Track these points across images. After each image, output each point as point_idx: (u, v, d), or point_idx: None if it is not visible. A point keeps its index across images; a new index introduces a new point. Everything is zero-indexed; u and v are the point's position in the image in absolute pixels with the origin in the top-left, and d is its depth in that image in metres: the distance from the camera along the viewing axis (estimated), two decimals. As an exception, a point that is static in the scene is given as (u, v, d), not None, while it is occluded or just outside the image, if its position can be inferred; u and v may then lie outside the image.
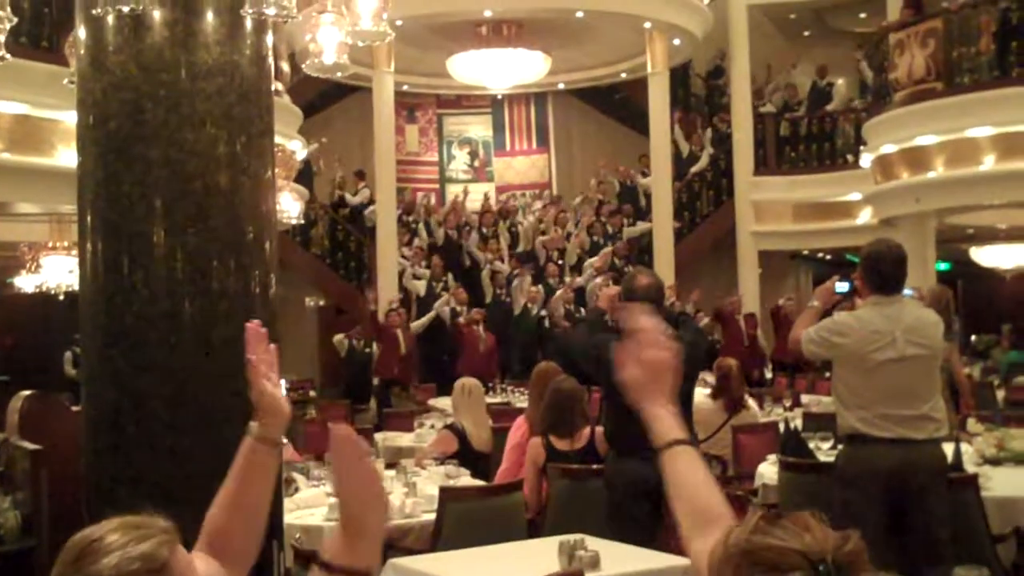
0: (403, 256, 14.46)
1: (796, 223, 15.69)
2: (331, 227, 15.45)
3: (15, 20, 3.78)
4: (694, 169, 16.26)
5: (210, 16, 3.40)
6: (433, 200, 16.39)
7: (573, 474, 5.48)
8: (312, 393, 12.69)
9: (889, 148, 11.98)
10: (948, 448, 4.84)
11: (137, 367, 3.33)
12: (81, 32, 3.49)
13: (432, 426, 8.27)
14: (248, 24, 3.45)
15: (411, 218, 15.26)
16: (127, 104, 3.37)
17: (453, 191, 16.98)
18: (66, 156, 8.17)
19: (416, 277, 14.25)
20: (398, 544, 4.81)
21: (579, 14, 14.07)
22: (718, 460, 6.96)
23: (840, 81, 16.21)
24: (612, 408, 5.37)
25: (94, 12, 3.33)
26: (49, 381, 11.83)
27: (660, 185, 15.09)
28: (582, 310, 13.00)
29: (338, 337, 12.42)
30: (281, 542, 3.51)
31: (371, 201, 15.24)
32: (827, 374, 8.40)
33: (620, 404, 5.18)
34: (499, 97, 17.45)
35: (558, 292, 13.62)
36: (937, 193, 11.54)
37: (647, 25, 14.55)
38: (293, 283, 14.08)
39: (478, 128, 18.10)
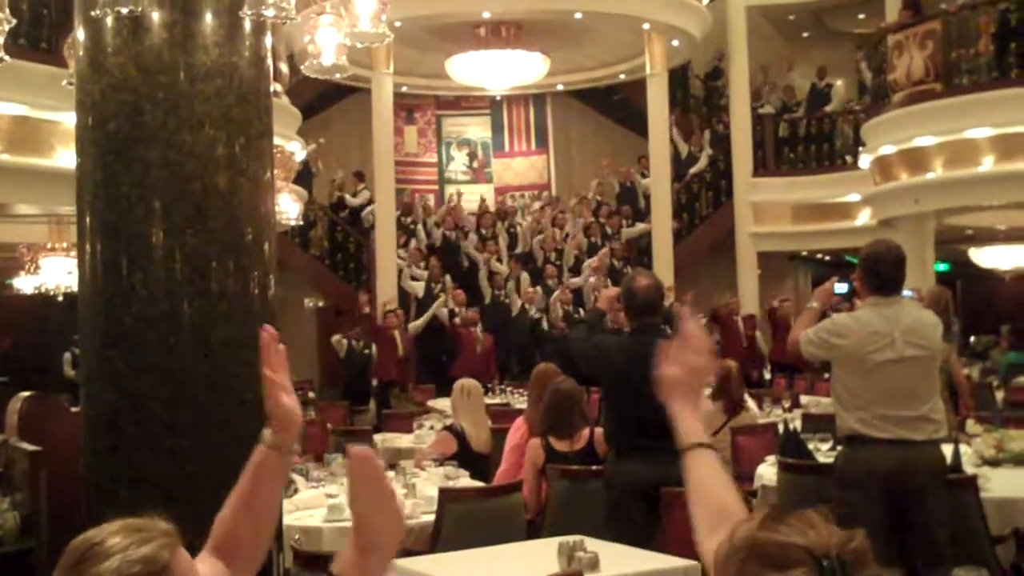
0: (399, 257, 14.46)
1: (795, 224, 15.69)
2: (330, 228, 15.46)
3: (14, 22, 3.78)
4: (693, 170, 16.27)
5: (209, 18, 3.40)
6: (432, 201, 16.40)
7: (572, 475, 5.48)
8: (311, 394, 12.67)
9: (888, 149, 11.99)
10: (947, 449, 4.84)
11: (136, 368, 3.33)
12: (80, 34, 3.49)
13: (431, 427, 8.27)
14: (247, 26, 3.46)
15: (409, 219, 15.26)
16: (126, 105, 3.37)
17: (452, 192, 17.01)
18: (65, 157, 8.18)
19: (414, 278, 14.25)
20: (397, 545, 4.80)
21: (578, 15, 14.07)
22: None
23: (839, 82, 16.22)
24: (611, 409, 5.38)
25: (93, 14, 3.33)
26: (48, 382, 11.85)
27: (659, 186, 15.09)
28: (581, 311, 13.01)
29: (336, 337, 12.41)
30: (280, 543, 3.52)
31: (370, 202, 15.25)
32: (826, 375, 8.39)
33: (619, 405, 5.20)
34: (498, 98, 17.46)
35: (555, 294, 13.63)
36: (936, 194, 11.55)
37: (646, 26, 14.55)
38: (292, 284, 14.08)
39: (477, 129, 18.10)
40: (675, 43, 15.16)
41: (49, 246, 13.26)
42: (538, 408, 6.07)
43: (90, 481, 3.43)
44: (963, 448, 5.44)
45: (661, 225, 14.98)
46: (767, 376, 13.15)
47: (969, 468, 5.25)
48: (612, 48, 15.64)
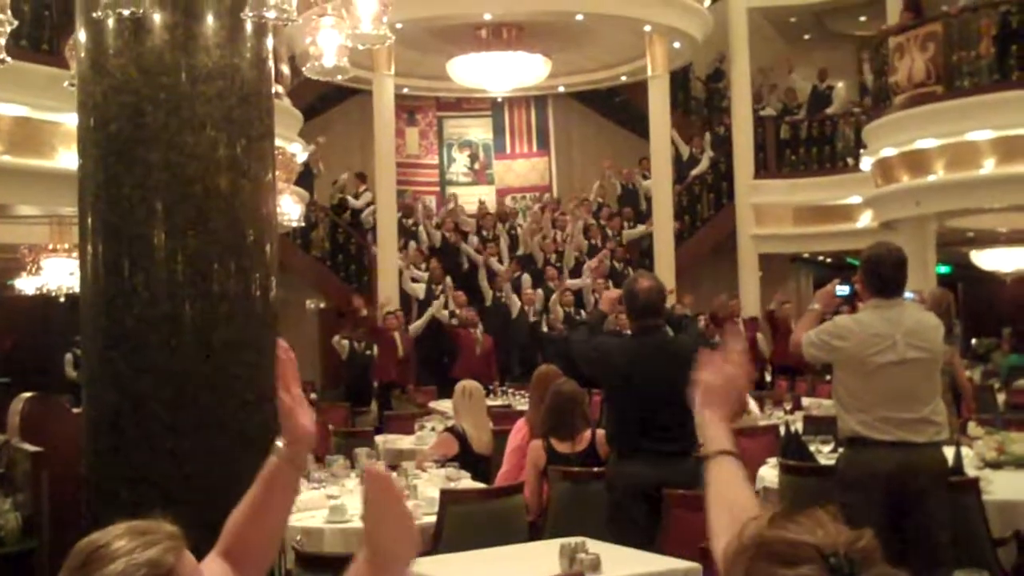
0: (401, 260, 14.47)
1: (796, 226, 15.70)
2: (332, 229, 15.47)
3: (15, 23, 3.79)
4: (694, 172, 16.28)
5: (210, 19, 3.40)
6: (434, 203, 16.40)
7: (574, 477, 5.48)
8: (313, 395, 12.67)
9: (889, 151, 11.99)
10: (949, 451, 4.84)
11: (137, 369, 3.33)
12: (81, 35, 3.49)
13: (432, 429, 8.27)
14: (248, 27, 3.46)
15: (410, 221, 15.27)
16: (127, 107, 3.37)
17: (450, 194, 17.01)
18: (66, 158, 8.18)
19: (414, 280, 14.25)
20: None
21: (579, 17, 14.08)
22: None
23: (840, 84, 16.23)
24: (613, 411, 5.38)
25: (94, 15, 3.33)
26: (50, 383, 11.85)
27: (660, 188, 15.09)
28: (581, 312, 13.01)
29: (337, 338, 12.41)
30: (282, 544, 3.51)
31: (372, 203, 15.25)
32: (828, 377, 8.39)
33: (621, 407, 5.20)
34: (499, 100, 17.46)
35: (555, 295, 13.63)
36: (937, 196, 11.54)
37: (647, 28, 14.55)
38: (293, 285, 14.09)
39: (478, 131, 18.10)
40: (676, 45, 15.16)
41: (50, 247, 13.25)
42: (539, 410, 6.07)
43: (91, 482, 3.43)
44: (964, 450, 5.43)
45: (662, 227, 14.98)
46: (768, 378, 13.15)
47: (971, 470, 5.25)
48: (613, 50, 15.64)
